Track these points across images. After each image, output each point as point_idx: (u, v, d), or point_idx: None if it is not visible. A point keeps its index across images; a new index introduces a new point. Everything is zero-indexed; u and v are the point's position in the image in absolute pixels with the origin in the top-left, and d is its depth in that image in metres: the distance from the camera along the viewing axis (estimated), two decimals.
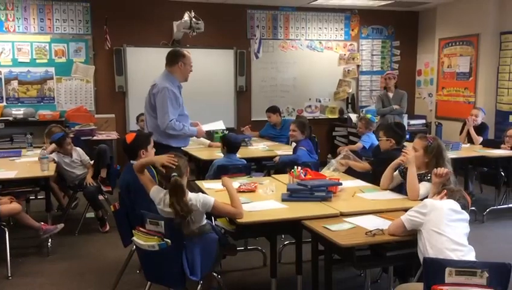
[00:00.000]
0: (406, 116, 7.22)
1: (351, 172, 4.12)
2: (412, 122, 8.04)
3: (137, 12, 7.33)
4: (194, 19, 6.44)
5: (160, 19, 7.38)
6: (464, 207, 2.51)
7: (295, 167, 3.67)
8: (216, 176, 4.19)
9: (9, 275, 3.79)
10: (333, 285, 2.68)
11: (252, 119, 7.97)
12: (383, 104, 6.76)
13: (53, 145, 4.91)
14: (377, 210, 2.98)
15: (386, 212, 2.92)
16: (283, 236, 4.22)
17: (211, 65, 7.71)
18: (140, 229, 2.78)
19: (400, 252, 2.56)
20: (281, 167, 4.79)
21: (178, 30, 7.00)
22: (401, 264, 2.97)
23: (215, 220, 3.36)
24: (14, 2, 6.89)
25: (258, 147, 5.75)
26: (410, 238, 2.50)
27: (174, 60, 4.35)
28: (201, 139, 5.91)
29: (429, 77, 8.61)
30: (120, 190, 3.44)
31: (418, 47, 8.90)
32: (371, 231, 2.52)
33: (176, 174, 2.71)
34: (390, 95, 6.81)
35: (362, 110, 8.10)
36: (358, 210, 2.98)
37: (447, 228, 2.37)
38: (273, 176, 4.25)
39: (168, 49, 7.25)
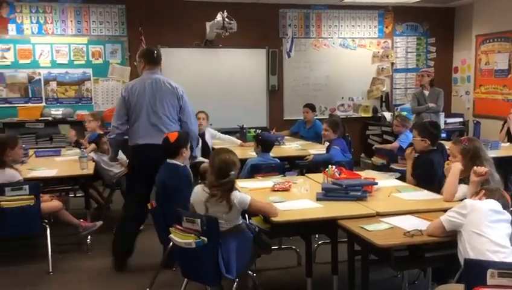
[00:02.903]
0: (442, 114, 7.08)
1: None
2: (449, 120, 7.88)
3: (171, 14, 7.43)
4: (226, 19, 6.46)
5: (193, 20, 7.45)
6: (504, 207, 2.45)
7: (329, 166, 3.65)
8: (250, 175, 4.21)
9: (51, 270, 3.91)
10: (369, 286, 2.66)
11: (284, 119, 7.96)
12: (419, 103, 6.63)
13: (92, 145, 5.06)
14: (415, 210, 2.93)
15: (424, 213, 2.87)
16: (317, 236, 4.20)
17: (243, 65, 7.76)
18: (177, 226, 2.82)
19: (439, 253, 2.52)
20: (314, 166, 4.77)
21: (211, 30, 7.06)
22: (440, 265, 2.91)
23: (249, 219, 3.38)
24: (53, 5, 7.10)
25: (291, 146, 5.74)
26: (449, 239, 2.45)
27: (160, 60, 4.18)
28: (233, 138, 5.98)
29: (466, 74, 8.40)
30: (156, 188, 3.51)
31: (454, 44, 8.69)
32: (409, 232, 2.49)
33: (233, 173, 2.83)
34: (426, 93, 6.67)
35: (397, 109, 7.98)
36: (395, 210, 2.94)
37: (487, 229, 2.32)
38: (306, 175, 4.24)
39: (202, 50, 7.52)
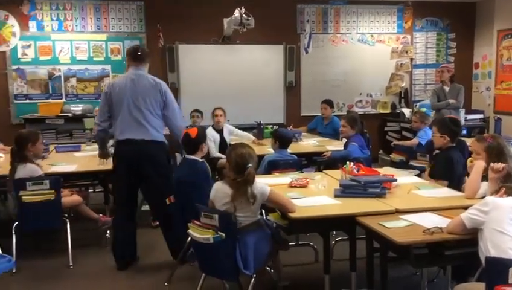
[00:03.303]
0: (462, 111, 6.97)
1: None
2: (469, 117, 7.74)
3: (189, 10, 7.44)
4: (244, 15, 6.45)
5: (211, 16, 7.46)
6: None
7: (347, 162, 3.62)
8: (267, 171, 4.21)
9: (71, 264, 3.98)
10: (388, 283, 2.64)
11: (301, 115, 7.93)
12: (439, 99, 6.54)
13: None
14: (435, 208, 2.90)
15: (444, 210, 2.84)
16: (334, 232, 4.18)
17: (260, 61, 7.75)
18: (196, 222, 2.84)
19: (459, 251, 2.48)
20: (332, 162, 4.74)
21: (228, 26, 7.06)
22: (460, 263, 2.88)
23: (266, 215, 3.38)
24: (73, 3, 7.18)
25: (309, 143, 5.72)
26: (470, 236, 2.41)
27: (144, 58, 4.04)
28: (249, 135, 5.98)
29: (487, 70, 8.26)
30: (174, 184, 3.53)
31: (475, 39, 8.53)
32: (429, 229, 2.46)
33: (251, 165, 2.83)
34: (447, 89, 6.58)
35: (416, 105, 7.89)
36: (414, 207, 2.91)
37: (510, 227, 2.28)
38: (324, 171, 4.22)
39: (220, 46, 7.53)
